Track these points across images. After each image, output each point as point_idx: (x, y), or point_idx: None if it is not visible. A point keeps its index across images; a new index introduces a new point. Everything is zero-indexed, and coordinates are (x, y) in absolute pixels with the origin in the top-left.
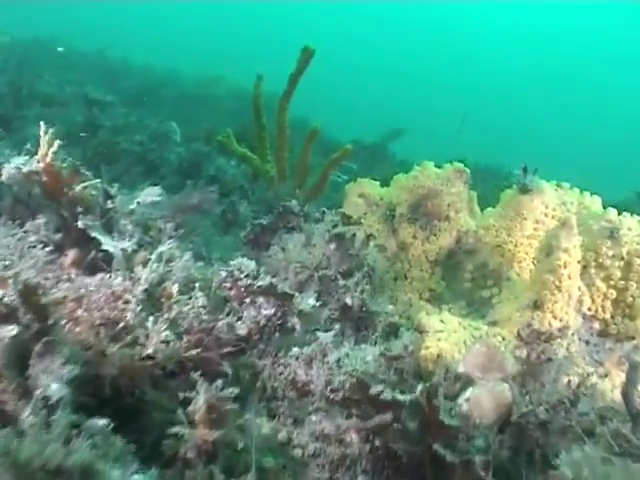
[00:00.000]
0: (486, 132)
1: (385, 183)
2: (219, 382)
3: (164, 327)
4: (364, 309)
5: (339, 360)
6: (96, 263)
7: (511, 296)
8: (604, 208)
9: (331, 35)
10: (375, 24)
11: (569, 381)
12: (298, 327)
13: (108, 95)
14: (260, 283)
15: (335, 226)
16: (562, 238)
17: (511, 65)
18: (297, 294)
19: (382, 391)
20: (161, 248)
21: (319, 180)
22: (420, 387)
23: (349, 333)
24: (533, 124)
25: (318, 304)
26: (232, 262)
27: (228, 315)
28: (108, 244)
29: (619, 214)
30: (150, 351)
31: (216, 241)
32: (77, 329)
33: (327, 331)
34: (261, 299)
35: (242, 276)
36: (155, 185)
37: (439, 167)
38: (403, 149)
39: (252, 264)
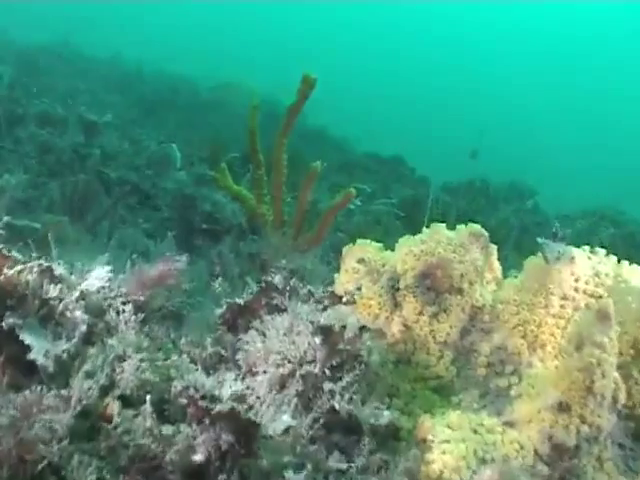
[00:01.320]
0: (506, 144)
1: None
2: None
3: (94, 466)
4: (353, 418)
5: None
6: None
7: (532, 390)
8: None
9: (341, 36)
10: (400, 27)
11: None
12: (265, 462)
13: (107, 114)
14: (219, 408)
15: (325, 308)
16: (596, 329)
17: (531, 72)
18: (266, 414)
19: None
20: (109, 347)
21: (319, 229)
22: None
23: (337, 439)
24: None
25: (294, 422)
26: (187, 377)
27: (188, 428)
28: (38, 351)
29: None
30: None
31: (191, 312)
32: None
33: (298, 470)
34: (222, 422)
35: (198, 396)
36: (107, 265)
37: (452, 229)
38: (423, 164)
39: (208, 382)
